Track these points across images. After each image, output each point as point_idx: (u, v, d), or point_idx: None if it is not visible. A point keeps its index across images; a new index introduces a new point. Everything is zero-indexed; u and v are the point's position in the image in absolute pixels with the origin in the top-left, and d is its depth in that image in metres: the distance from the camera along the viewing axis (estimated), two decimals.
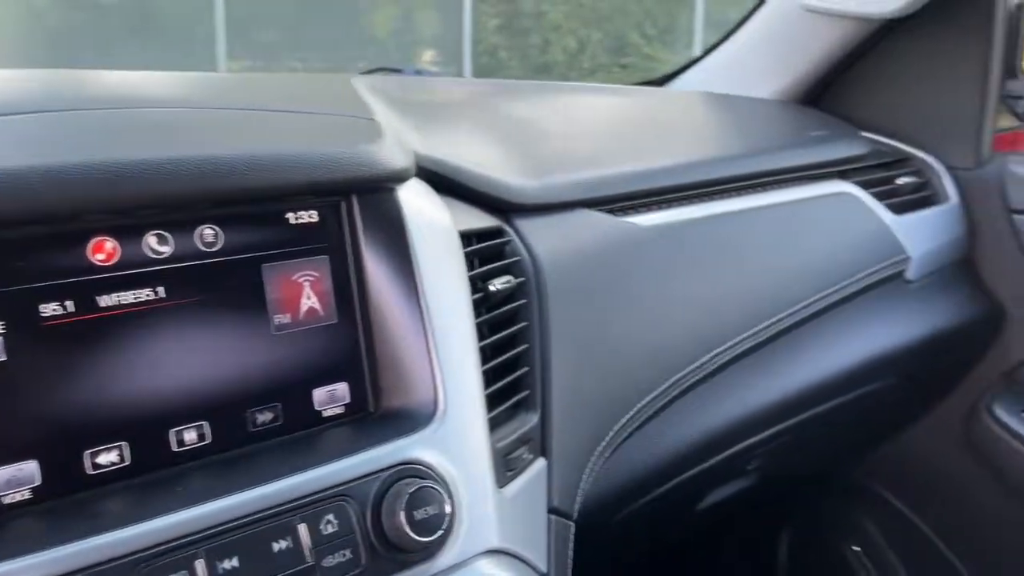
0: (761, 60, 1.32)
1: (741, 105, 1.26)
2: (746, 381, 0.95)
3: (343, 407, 0.61)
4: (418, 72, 1.37)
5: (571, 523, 0.71)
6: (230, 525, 0.50)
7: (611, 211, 0.85)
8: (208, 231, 0.56)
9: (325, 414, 0.60)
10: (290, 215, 0.59)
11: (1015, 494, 1.22)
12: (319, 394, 0.60)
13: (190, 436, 0.55)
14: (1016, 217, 1.18)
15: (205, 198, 0.54)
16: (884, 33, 1.21)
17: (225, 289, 0.56)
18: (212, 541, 0.50)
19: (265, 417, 0.58)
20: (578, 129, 0.99)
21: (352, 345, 0.61)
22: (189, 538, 0.49)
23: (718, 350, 0.89)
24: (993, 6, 1.14)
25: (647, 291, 0.84)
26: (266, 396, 0.58)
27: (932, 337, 1.14)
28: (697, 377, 0.87)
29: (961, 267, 1.22)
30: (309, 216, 0.60)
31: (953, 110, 1.21)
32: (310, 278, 0.60)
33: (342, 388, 0.61)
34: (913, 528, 1.36)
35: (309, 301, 0.60)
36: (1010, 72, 1.20)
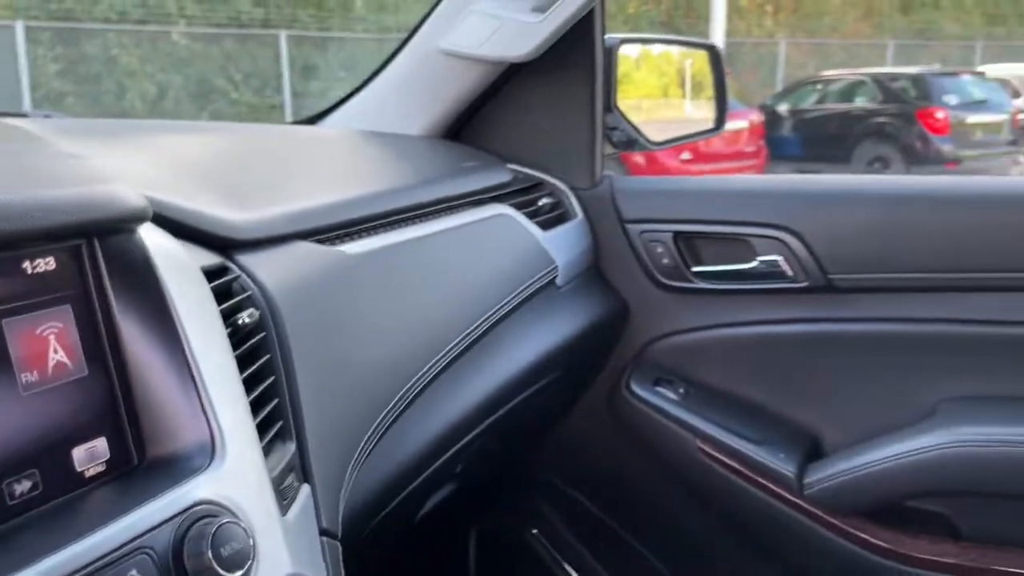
0: (405, 100, 1.43)
1: (397, 141, 1.35)
2: (448, 392, 1.03)
3: (104, 464, 0.57)
4: (47, 116, 1.25)
5: (338, 543, 0.73)
6: None
7: (321, 241, 0.88)
8: None
9: (88, 474, 0.56)
10: (26, 264, 0.54)
11: (651, 456, 1.46)
12: (78, 453, 0.55)
13: None
14: (627, 226, 1.42)
15: None
16: (512, 74, 1.39)
17: None
18: None
19: (23, 487, 0.52)
20: (263, 165, 1.00)
21: (107, 396, 0.57)
22: None
23: (428, 365, 0.96)
24: (593, 52, 1.37)
25: (364, 314, 0.88)
26: (21, 464, 0.52)
27: (579, 333, 1.33)
28: (416, 391, 0.94)
29: (593, 271, 1.43)
30: (46, 264, 0.55)
31: (571, 140, 1.43)
32: (55, 330, 0.55)
33: (101, 444, 0.57)
34: (579, 505, 1.55)
35: (57, 355, 0.55)
36: (607, 107, 1.45)
